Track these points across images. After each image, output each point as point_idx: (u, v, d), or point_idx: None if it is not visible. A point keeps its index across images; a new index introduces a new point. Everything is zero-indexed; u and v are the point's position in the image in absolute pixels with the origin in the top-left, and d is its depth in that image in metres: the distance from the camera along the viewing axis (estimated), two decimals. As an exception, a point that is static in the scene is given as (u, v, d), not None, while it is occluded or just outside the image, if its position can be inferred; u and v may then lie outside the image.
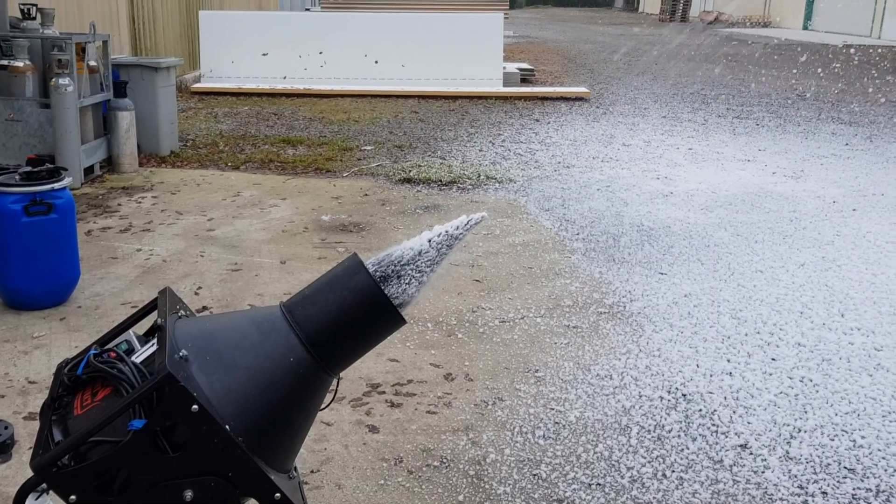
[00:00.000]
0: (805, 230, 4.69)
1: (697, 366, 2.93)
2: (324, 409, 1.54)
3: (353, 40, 10.61)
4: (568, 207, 5.15)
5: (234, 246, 4.23)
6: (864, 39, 23.01)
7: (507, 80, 11.05)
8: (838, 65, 15.48)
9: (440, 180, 5.75)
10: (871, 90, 11.51)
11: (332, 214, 4.86)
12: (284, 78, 10.40)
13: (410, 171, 5.99)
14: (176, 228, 4.50)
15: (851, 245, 4.41)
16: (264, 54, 10.45)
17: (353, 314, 1.50)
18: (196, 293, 3.55)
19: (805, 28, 27.69)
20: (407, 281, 1.54)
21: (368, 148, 6.88)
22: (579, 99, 10.10)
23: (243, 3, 13.80)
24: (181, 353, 1.37)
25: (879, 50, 19.53)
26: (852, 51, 19.11)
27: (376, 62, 10.69)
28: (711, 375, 2.85)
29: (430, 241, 1.57)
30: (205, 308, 3.39)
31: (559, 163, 6.46)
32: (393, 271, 1.55)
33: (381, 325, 1.54)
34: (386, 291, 1.52)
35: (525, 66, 12.64)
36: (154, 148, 6.33)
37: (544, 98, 10.08)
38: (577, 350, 3.06)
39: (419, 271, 1.55)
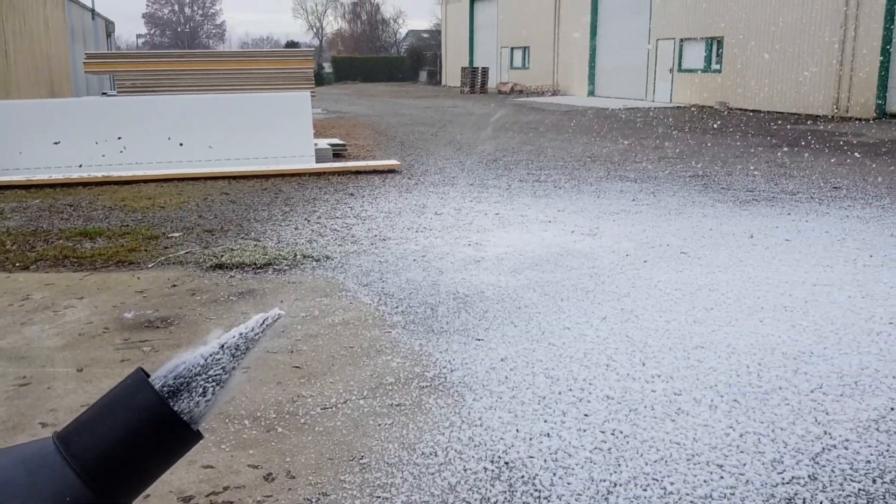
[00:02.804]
0: (604, 284, 5.02)
1: (517, 431, 2.99)
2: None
3: (155, 123, 10.23)
4: (386, 281, 5.18)
5: (23, 357, 3.83)
6: (640, 102, 25.59)
7: (320, 156, 11.11)
8: (621, 126, 17.04)
9: (255, 263, 5.59)
10: (650, 147, 12.74)
11: (136, 311, 4.55)
12: (80, 166, 9.78)
13: (222, 255, 5.79)
14: (-49, 344, 4.01)
15: (645, 295, 4.77)
16: (56, 143, 9.80)
17: (139, 438, 1.38)
18: (-25, 417, 3.16)
19: (591, 94, 30.36)
20: (199, 393, 1.45)
21: (176, 235, 6.58)
22: (391, 171, 10.33)
23: (33, 90, 12.93)
24: (-71, 512, 1.19)
25: (655, 111, 21.77)
26: (631, 113, 21.16)
27: (181, 144, 10.35)
28: (531, 439, 2.93)
29: (223, 346, 1.49)
30: (-14, 433, 3.01)
31: (375, 236, 6.52)
32: (183, 384, 1.45)
33: (173, 446, 1.43)
34: (176, 407, 1.42)
35: (337, 141, 12.78)
36: (-77, 253, 5.66)
37: (357, 172, 10.21)
38: (402, 429, 3.03)
39: (213, 380, 1.47)
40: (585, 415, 3.13)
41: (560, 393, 3.34)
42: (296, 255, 5.80)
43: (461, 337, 4.09)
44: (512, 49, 37.73)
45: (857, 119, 18.56)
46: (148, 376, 1.46)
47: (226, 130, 10.50)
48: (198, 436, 1.45)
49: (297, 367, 3.69)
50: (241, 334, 1.51)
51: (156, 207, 7.82)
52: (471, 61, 41.73)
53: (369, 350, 3.90)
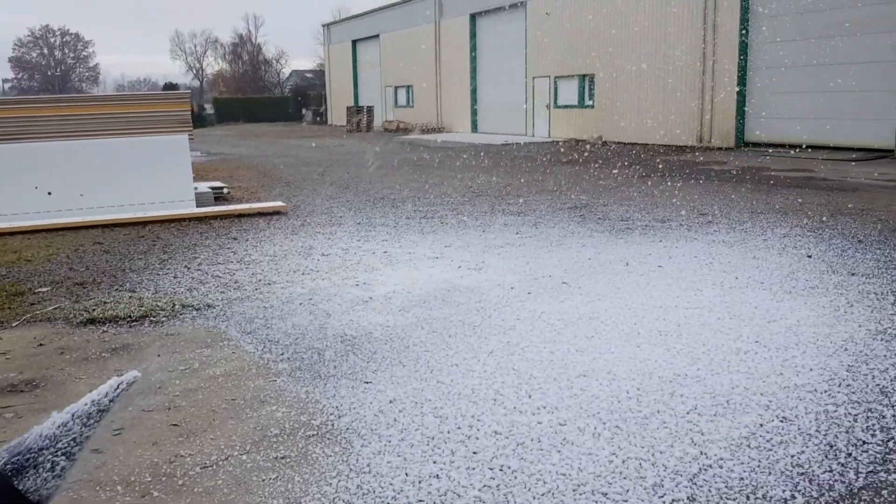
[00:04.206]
0: (490, 318, 5.09)
1: (406, 474, 2.96)
2: None
3: (21, 172, 9.67)
4: (271, 327, 5.05)
5: None
6: (520, 137, 26.42)
7: (201, 200, 10.80)
8: (503, 161, 17.49)
9: (130, 316, 5.33)
10: (531, 181, 13.12)
11: (-4, 375, 4.23)
12: (-67, 220, 9.08)
13: (94, 309, 5.49)
14: None
15: (530, 327, 4.86)
16: None
17: (-21, 523, 1.27)
18: None
19: (474, 131, 31.07)
20: (47, 468, 1.35)
21: (44, 290, 6.19)
22: (277, 213, 10.16)
23: None
24: None
25: (534, 146, 22.51)
26: (513, 148, 21.79)
27: (49, 194, 9.82)
28: (420, 482, 2.90)
29: (73, 415, 1.40)
30: None
31: (260, 281, 6.36)
32: (28, 460, 1.34)
33: (20, 529, 1.32)
34: (21, 486, 1.31)
35: (218, 184, 12.48)
36: None
37: (241, 215, 9.98)
38: (287, 483, 2.93)
39: (63, 454, 1.37)
40: (474, 452, 3.13)
41: (449, 432, 3.34)
42: (174, 305, 5.57)
43: (349, 381, 4.03)
44: (396, 88, 38.18)
45: (719, 149, 19.84)
46: (-11, 454, 1.35)
47: (98, 177, 10.05)
48: (47, 515, 1.34)
49: (174, 424, 3.52)
50: (93, 401, 1.42)
51: (22, 261, 7.34)
52: (356, 100, 41.91)
53: (253, 401, 3.77)
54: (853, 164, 15.23)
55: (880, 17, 16.53)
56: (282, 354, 4.50)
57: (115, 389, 1.44)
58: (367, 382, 3.99)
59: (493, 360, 4.24)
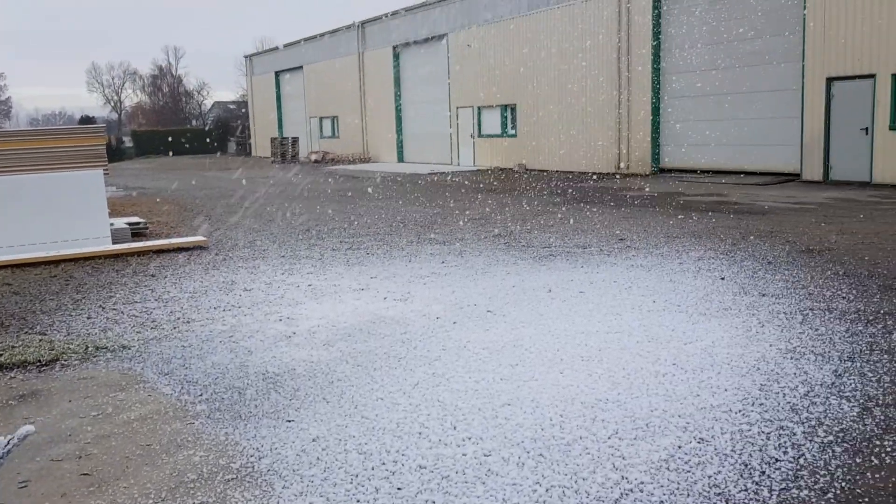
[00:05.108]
0: (416, 349, 5.07)
1: (329, 515, 2.90)
2: None
3: (-82, 211, 9.17)
4: (190, 367, 4.90)
5: None
6: (446, 167, 26.68)
7: (117, 236, 10.48)
8: (429, 190, 17.60)
9: (39, 360, 5.09)
10: (457, 210, 13.23)
11: None
12: None
13: (1, 354, 5.22)
14: None
15: (455, 357, 4.86)
16: None
17: None
18: None
19: (400, 160, 31.19)
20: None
21: (-56, 336, 5.86)
22: (197, 248, 9.93)
23: None
24: None
25: (459, 174, 22.75)
26: (438, 177, 21.96)
27: (-48, 233, 9.34)
28: (343, 522, 2.84)
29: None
30: None
31: (178, 319, 6.18)
32: None
33: None
34: None
35: (136, 219, 12.12)
36: None
37: (160, 251, 9.71)
38: (204, 530, 2.82)
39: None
40: (398, 488, 3.09)
41: (373, 468, 3.29)
42: (87, 348, 5.35)
43: (270, 420, 3.93)
44: (321, 119, 38.04)
45: (637, 175, 20.46)
46: None
47: (7, 215, 9.63)
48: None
49: (85, 473, 3.36)
50: (-20, 461, 1.35)
51: (-81, 306, 6.93)
52: (280, 131, 41.53)
53: (169, 446, 3.64)
54: (763, 187, 15.94)
55: (784, 48, 17.46)
56: (200, 395, 4.36)
57: (5, 446, 1.37)
58: (289, 421, 3.90)
59: (419, 393, 4.22)
